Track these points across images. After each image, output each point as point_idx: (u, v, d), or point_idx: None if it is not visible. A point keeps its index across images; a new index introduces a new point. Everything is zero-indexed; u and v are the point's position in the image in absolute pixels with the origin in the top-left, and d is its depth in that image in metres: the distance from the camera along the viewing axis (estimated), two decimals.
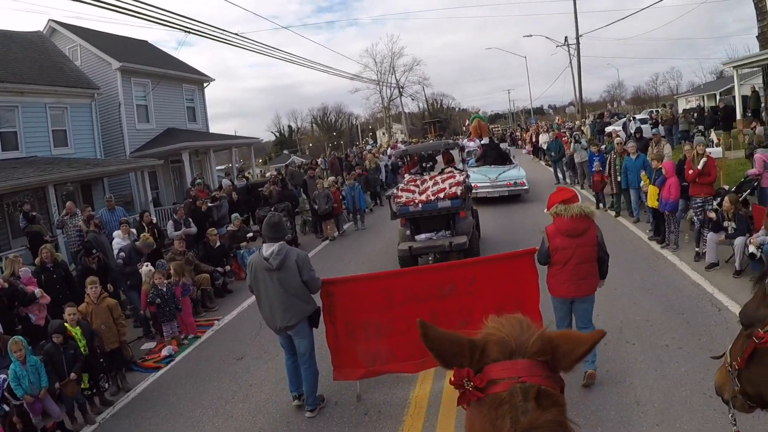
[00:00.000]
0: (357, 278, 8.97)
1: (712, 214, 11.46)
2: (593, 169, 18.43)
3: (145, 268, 12.43)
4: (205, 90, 33.91)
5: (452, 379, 1.56)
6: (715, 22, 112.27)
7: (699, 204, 12.66)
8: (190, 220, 16.84)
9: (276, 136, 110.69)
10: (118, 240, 14.23)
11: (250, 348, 10.74)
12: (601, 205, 18.12)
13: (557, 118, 72.91)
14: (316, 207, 19.44)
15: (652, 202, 13.63)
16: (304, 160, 56.58)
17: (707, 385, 6.06)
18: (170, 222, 16.88)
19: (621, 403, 6.84)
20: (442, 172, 15.36)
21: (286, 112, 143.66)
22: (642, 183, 14.76)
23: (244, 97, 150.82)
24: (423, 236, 13.37)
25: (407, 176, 16.17)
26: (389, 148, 32.10)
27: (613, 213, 17.60)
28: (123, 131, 26.99)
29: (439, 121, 74.54)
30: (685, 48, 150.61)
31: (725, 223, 11.18)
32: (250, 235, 17.31)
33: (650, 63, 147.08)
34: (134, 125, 27.65)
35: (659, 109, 40.70)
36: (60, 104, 23.33)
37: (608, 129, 34.70)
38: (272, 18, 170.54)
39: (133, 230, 15.08)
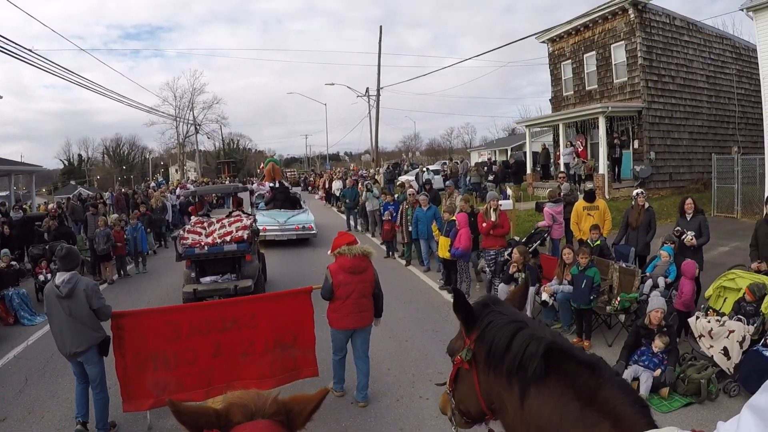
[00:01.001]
0: (146, 311, 8.94)
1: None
2: (384, 218, 18.75)
3: None
4: None
5: None
6: (510, 84, 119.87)
7: (492, 256, 13.12)
8: None
9: (65, 164, 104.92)
10: None
11: (14, 407, 9.61)
12: (391, 253, 18.49)
13: (352, 165, 74.24)
14: (96, 246, 18.21)
15: (443, 252, 13.90)
16: (90, 193, 54.07)
17: None
18: None
19: None
20: (229, 215, 15.18)
21: (77, 140, 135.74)
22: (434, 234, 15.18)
23: (36, 119, 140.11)
24: (208, 279, 13.25)
25: (194, 218, 15.96)
26: (178, 188, 31.71)
27: (404, 262, 17.86)
28: None
29: (234, 162, 74.05)
30: (481, 106, 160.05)
31: (515, 274, 11.44)
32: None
33: (447, 117, 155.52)
34: None
35: (447, 162, 42.38)
36: None
37: (401, 179, 35.71)
38: (76, 38, 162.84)
39: None
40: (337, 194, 34.63)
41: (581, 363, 2.48)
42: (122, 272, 19.22)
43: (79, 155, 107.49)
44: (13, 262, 15.67)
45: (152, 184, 44.01)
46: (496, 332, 2.72)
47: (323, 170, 66.44)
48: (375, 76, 46.47)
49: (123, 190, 41.33)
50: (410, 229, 16.65)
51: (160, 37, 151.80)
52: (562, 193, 16.12)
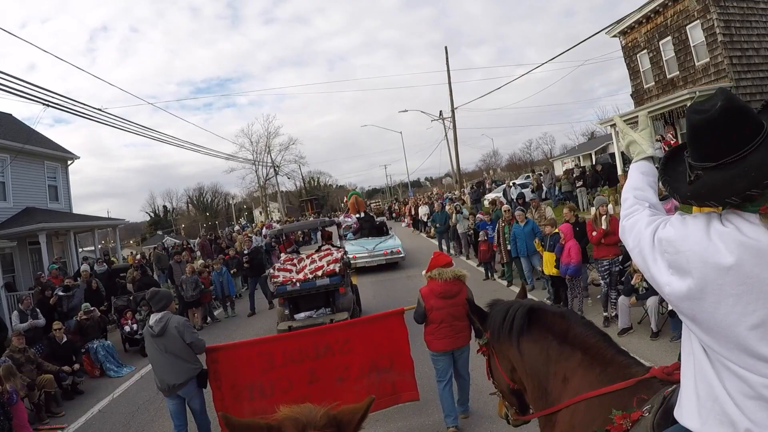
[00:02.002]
0: (239, 344, 8.79)
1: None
2: (480, 239, 17.66)
3: None
4: (69, 168, 31.48)
5: None
6: (582, 88, 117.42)
7: (605, 266, 11.78)
8: (38, 310, 14.91)
9: (150, 216, 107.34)
10: None
11: None
12: (490, 274, 17.39)
13: (435, 189, 73.19)
14: (183, 293, 17.54)
15: (549, 269, 12.82)
16: (177, 241, 54.59)
17: None
18: (15, 313, 14.87)
19: None
20: (319, 250, 14.94)
21: (161, 192, 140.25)
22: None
23: (120, 176, 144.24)
24: (303, 315, 13.16)
25: (283, 255, 15.55)
26: (264, 228, 31.90)
27: (505, 282, 16.68)
28: None
29: (316, 199, 74.00)
30: (556, 114, 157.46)
31: (635, 285, 10.47)
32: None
33: (523, 131, 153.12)
34: None
35: (530, 175, 40.97)
36: None
37: (488, 197, 34.43)
38: (150, 98, 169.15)
39: None
40: (425, 219, 34.43)
41: (555, 314, 3.53)
42: (209, 318, 18.74)
43: (164, 206, 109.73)
44: (94, 312, 15.10)
45: (236, 227, 43.81)
46: (496, 314, 3.80)
47: (406, 198, 65.95)
48: (445, 99, 45.62)
49: (205, 235, 41.11)
50: (509, 247, 15.54)
51: (230, 89, 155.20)
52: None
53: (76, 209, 31.51)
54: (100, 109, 21.83)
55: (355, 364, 7.76)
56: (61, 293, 16.33)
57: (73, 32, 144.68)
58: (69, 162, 31.59)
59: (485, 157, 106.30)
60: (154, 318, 7.86)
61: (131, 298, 17.60)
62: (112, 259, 29.72)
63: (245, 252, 19.86)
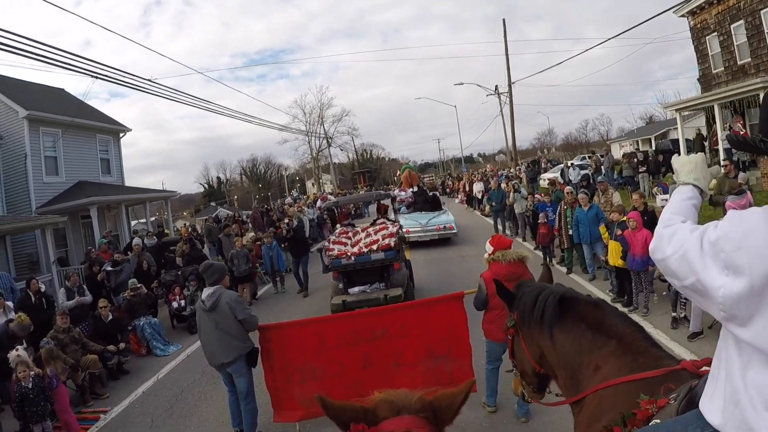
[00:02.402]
0: (292, 324, 8.68)
1: None
2: (539, 221, 16.80)
3: (14, 353, 10.17)
4: (122, 141, 31.53)
5: None
6: (641, 70, 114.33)
7: None
8: (85, 287, 14.68)
9: (205, 187, 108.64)
10: None
11: None
12: (549, 260, 16.44)
13: (488, 165, 72.16)
14: (234, 268, 17.07)
15: (614, 259, 11.96)
16: (229, 212, 54.68)
17: None
18: (62, 290, 14.66)
19: None
20: (374, 224, 14.84)
21: (215, 163, 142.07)
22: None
23: (175, 148, 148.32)
24: (357, 289, 13.08)
25: (339, 228, 15.63)
26: (318, 200, 31.55)
27: (564, 269, 15.81)
28: (29, 185, 24.53)
29: (369, 172, 73.84)
30: (613, 95, 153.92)
31: None
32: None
33: (579, 110, 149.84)
34: (41, 178, 25.22)
35: (588, 156, 39.80)
36: None
37: (544, 176, 33.43)
38: (204, 70, 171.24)
39: (9, 303, 12.80)
40: (479, 197, 33.73)
41: (588, 303, 3.53)
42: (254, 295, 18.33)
43: (218, 178, 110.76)
44: (141, 289, 14.82)
45: (287, 199, 43.27)
46: (525, 298, 3.81)
47: (460, 173, 65.20)
48: (500, 73, 45.28)
49: (256, 207, 40.61)
50: (570, 232, 14.75)
51: (283, 59, 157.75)
52: (742, 184, 13.72)
53: (131, 182, 31.57)
54: (149, 80, 21.79)
55: (411, 350, 7.53)
56: (109, 268, 16.11)
57: (127, 8, 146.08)
58: (121, 135, 31.67)
59: (540, 136, 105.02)
60: (206, 292, 7.78)
61: (179, 273, 17.26)
62: (166, 231, 29.57)
63: (286, 228, 19.09)
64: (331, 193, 48.71)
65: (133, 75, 20.51)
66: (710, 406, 2.12)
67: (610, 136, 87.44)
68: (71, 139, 27.02)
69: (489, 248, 7.68)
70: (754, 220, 1.90)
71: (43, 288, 14.34)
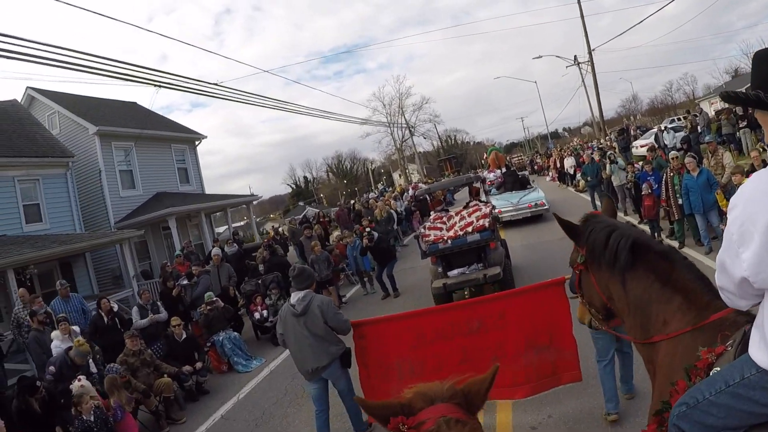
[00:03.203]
0: (386, 318, 8.30)
1: None
2: (643, 192, 15.17)
3: (76, 384, 9.34)
4: (198, 149, 31.17)
5: (389, 425, 2.00)
6: (719, 23, 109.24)
7: None
8: (159, 304, 13.90)
9: (292, 187, 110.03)
10: (57, 343, 11.30)
11: None
12: (656, 234, 14.79)
13: (575, 139, 70.07)
14: (317, 273, 15.95)
15: None
16: (317, 210, 54.34)
17: None
18: (135, 308, 13.90)
19: None
20: (467, 207, 14.75)
21: (300, 163, 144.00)
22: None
23: (260, 152, 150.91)
24: (456, 272, 13.08)
25: (433, 214, 15.87)
26: (410, 189, 31.98)
27: (676, 243, 13.94)
28: (105, 200, 24.36)
29: (455, 157, 73.40)
30: (695, 52, 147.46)
31: None
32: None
33: (660, 72, 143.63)
34: (118, 192, 25.03)
35: (682, 117, 37.59)
36: (30, 176, 20.91)
37: (638, 143, 31.80)
38: (281, 73, 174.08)
39: (75, 328, 12.07)
40: (571, 172, 32.50)
41: (658, 253, 3.43)
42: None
43: (305, 177, 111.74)
44: (217, 302, 13.92)
45: (371, 194, 42.23)
46: (596, 236, 3.69)
47: (547, 150, 63.60)
48: (578, 44, 44.04)
49: (341, 204, 39.26)
50: (680, 202, 13.13)
51: (358, 55, 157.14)
52: None
53: (220, 189, 31.44)
54: (216, 84, 21.14)
55: (511, 342, 7.01)
56: (184, 282, 15.33)
57: (198, 19, 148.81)
58: (197, 142, 31.36)
59: (624, 103, 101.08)
60: (295, 296, 7.52)
61: (260, 281, 16.29)
62: (257, 234, 28.88)
63: (367, 239, 16.90)
64: (419, 182, 47.72)
65: (199, 80, 20.04)
66: (755, 347, 2.41)
67: (696, 95, 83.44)
68: (145, 151, 26.75)
69: None
70: (748, 188, 2.25)
71: (115, 307, 13.65)
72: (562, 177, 36.49)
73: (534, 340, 6.93)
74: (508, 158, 44.00)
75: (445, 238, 13.06)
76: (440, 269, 13.13)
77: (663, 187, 13.94)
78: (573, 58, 49.15)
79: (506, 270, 12.96)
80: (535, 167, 55.76)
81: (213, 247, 20.94)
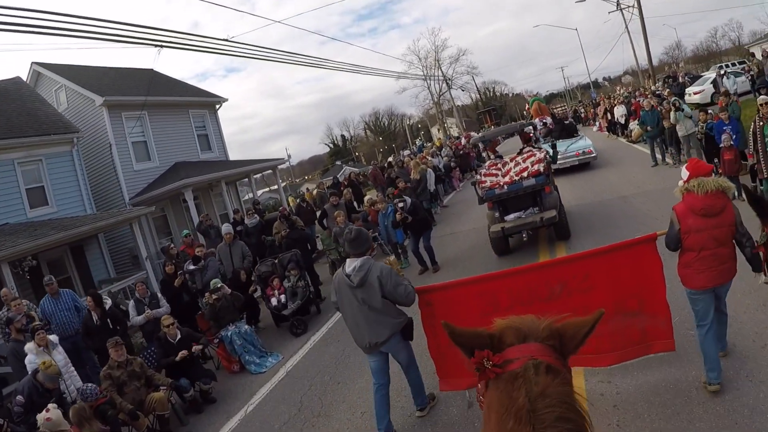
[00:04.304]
0: (457, 283, 7.56)
1: None
2: (722, 144, 12.92)
3: (42, 416, 7.56)
4: (219, 113, 29.14)
5: (473, 359, 1.88)
6: None
7: None
8: (159, 296, 12.14)
9: (330, 147, 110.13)
10: (32, 357, 9.52)
11: None
12: (737, 194, 12.39)
13: (618, 88, 67.46)
14: (340, 248, 14.11)
15: None
16: (355, 170, 52.68)
17: None
18: (131, 303, 12.14)
19: None
20: (521, 153, 14.84)
21: (337, 122, 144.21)
22: None
23: (297, 113, 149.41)
24: (512, 216, 13.51)
25: (488, 161, 15.98)
26: (462, 137, 31.71)
27: None
28: (118, 175, 22.70)
29: (494, 109, 72.28)
30: None
31: None
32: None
33: (703, 18, 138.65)
34: (131, 166, 23.33)
35: (736, 62, 34.99)
36: (32, 157, 19.37)
37: (691, 90, 29.90)
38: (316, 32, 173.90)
39: (53, 338, 10.25)
40: (622, 121, 30.44)
41: None
42: None
43: (342, 136, 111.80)
44: (223, 289, 12.03)
45: (406, 151, 39.91)
46: None
47: (592, 99, 61.13)
48: None
49: (375, 163, 36.27)
50: None
51: (392, 11, 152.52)
52: None
53: (258, 152, 29.29)
54: (226, 39, 19.50)
55: (595, 306, 5.36)
56: (191, 267, 13.44)
57: None
58: (217, 106, 29.25)
59: (668, 50, 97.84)
60: (351, 264, 6.79)
61: (276, 261, 14.20)
62: (285, 201, 26.99)
63: (400, 213, 14.54)
64: (457, 137, 45.81)
65: (205, 37, 18.04)
66: None
67: (741, 41, 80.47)
68: (160, 120, 25.07)
69: (684, 174, 6.25)
70: None
71: (108, 303, 11.84)
72: (612, 127, 34.21)
73: (622, 304, 6.35)
74: (550, 108, 42.22)
75: (501, 183, 13.43)
76: (497, 214, 13.51)
77: (751, 138, 11.62)
78: (616, 3, 48.24)
79: (561, 213, 13.25)
80: (580, 118, 52.97)
81: (232, 220, 18.99)
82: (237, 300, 12.07)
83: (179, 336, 10.46)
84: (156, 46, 16.92)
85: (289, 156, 72.97)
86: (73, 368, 10.15)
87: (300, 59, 30.44)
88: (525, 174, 13.37)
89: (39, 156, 19.56)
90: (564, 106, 77.11)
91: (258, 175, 31.04)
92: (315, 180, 73.11)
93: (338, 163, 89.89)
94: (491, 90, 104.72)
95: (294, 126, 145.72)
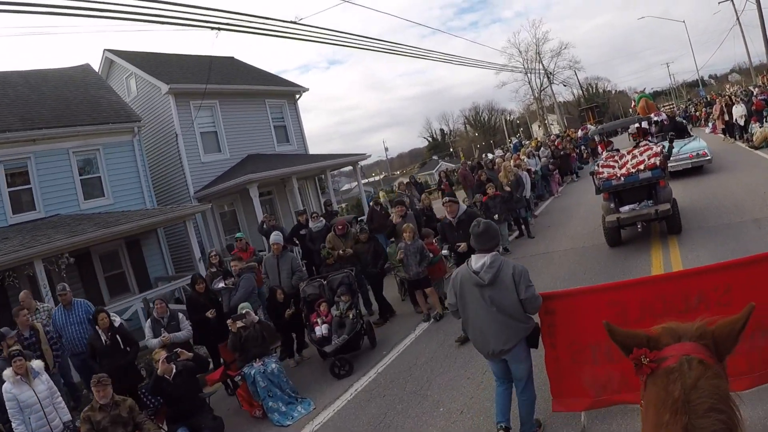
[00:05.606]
0: (582, 291, 6.91)
1: None
2: None
3: None
4: (299, 103, 27.41)
5: (632, 355, 1.98)
6: None
7: None
8: (181, 316, 10.38)
9: (428, 141, 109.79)
10: (9, 386, 8.02)
11: None
12: None
13: (728, 86, 63.48)
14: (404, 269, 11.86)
15: None
16: (450, 166, 50.96)
17: None
18: (147, 323, 10.45)
19: None
20: (637, 146, 14.98)
21: (437, 116, 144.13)
22: None
23: (398, 105, 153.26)
24: (627, 207, 13.70)
25: (605, 153, 16.05)
26: (580, 131, 31.78)
27: None
28: (183, 167, 21.46)
29: (597, 106, 69.46)
30: None
31: None
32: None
33: None
34: (198, 157, 22.04)
35: None
36: (88, 146, 18.46)
37: None
38: (415, 25, 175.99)
39: (36, 364, 8.59)
40: (741, 123, 27.18)
41: None
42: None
43: (441, 130, 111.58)
44: (249, 316, 9.98)
45: (497, 152, 37.05)
46: None
47: (702, 98, 57.41)
48: None
49: (467, 162, 33.00)
50: None
51: (493, 4, 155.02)
52: None
53: (358, 144, 27.56)
54: (293, 21, 17.96)
55: None
56: (221, 285, 11.56)
57: None
58: (297, 96, 27.52)
59: None
60: (479, 260, 6.17)
61: (325, 282, 11.84)
62: (365, 201, 25.19)
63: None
64: (558, 135, 43.16)
65: (268, 18, 16.57)
66: None
67: None
68: (233, 110, 23.73)
69: None
70: None
71: (117, 321, 10.16)
72: (729, 129, 30.45)
73: (763, 320, 5.49)
74: (658, 106, 39.54)
75: (618, 175, 13.74)
76: (612, 205, 13.77)
77: None
78: None
79: (674, 207, 13.32)
80: (691, 118, 48.76)
81: (296, 222, 17.05)
82: (267, 330, 10.05)
83: (174, 370, 8.50)
84: (213, 28, 15.52)
85: (387, 149, 72.41)
86: (60, 399, 8.60)
87: (397, 48, 28.38)
88: (641, 167, 13.59)
89: (96, 145, 18.69)
90: (672, 104, 73.17)
91: (347, 168, 29.23)
92: (412, 173, 71.39)
93: (435, 157, 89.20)
94: (594, 86, 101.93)
95: (395, 118, 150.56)
